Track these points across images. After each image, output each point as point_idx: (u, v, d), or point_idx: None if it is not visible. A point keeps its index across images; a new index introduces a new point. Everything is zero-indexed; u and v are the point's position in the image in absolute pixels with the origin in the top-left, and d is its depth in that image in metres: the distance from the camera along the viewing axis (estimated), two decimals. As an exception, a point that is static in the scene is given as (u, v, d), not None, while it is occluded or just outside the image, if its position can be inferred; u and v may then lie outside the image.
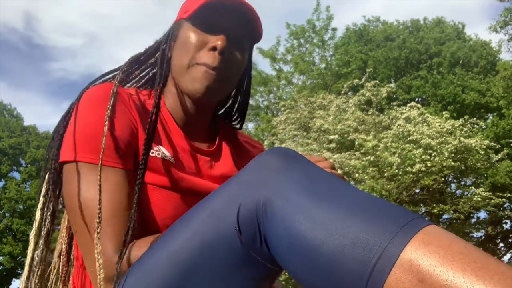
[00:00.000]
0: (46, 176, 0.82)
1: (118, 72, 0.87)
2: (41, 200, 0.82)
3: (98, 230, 0.67)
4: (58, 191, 0.82)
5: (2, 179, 18.30)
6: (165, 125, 0.87)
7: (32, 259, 0.79)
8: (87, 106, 0.78)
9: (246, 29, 0.86)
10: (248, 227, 0.57)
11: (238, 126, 1.05)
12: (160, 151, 0.81)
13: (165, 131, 0.86)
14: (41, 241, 0.80)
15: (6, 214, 17.25)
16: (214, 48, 0.82)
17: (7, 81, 34.16)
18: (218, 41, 0.81)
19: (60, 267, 0.83)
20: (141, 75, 0.94)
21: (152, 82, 0.94)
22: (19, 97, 34.53)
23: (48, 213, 0.81)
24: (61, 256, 0.84)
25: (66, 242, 0.85)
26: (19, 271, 17.84)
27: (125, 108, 0.80)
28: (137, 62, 0.93)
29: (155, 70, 0.91)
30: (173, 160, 0.83)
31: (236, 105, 1.02)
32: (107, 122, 0.74)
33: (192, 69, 0.83)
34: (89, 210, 0.70)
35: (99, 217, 0.68)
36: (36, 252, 0.79)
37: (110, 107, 0.76)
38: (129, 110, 0.81)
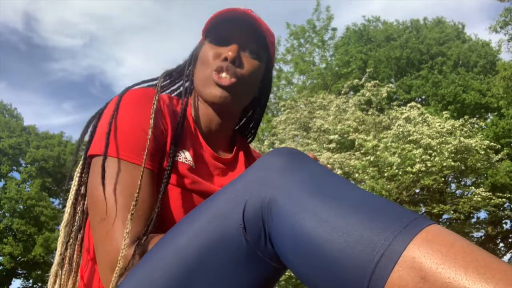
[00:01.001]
0: (78, 168, 0.85)
1: (157, 81, 0.94)
2: (73, 191, 0.85)
3: (131, 216, 0.69)
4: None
5: (2, 179, 18.29)
6: (190, 132, 0.92)
7: (65, 249, 0.82)
8: (127, 106, 0.82)
9: (256, 38, 0.91)
10: (253, 225, 0.58)
11: (250, 138, 1.11)
12: (182, 155, 0.86)
13: (190, 138, 0.91)
14: (72, 233, 0.83)
15: (6, 214, 17.23)
16: (226, 59, 0.88)
17: (7, 81, 34.17)
18: (229, 51, 0.88)
19: (73, 258, 0.84)
20: (172, 88, 1.03)
21: (180, 94, 1.02)
22: (19, 97, 34.54)
23: (79, 205, 0.84)
24: (70, 248, 0.85)
25: (77, 235, 0.86)
26: (19, 271, 17.85)
27: (158, 111, 0.85)
28: (170, 76, 1.01)
29: (184, 84, 0.99)
30: (193, 165, 0.88)
31: (254, 116, 1.08)
32: (152, 124, 0.79)
33: (208, 80, 0.90)
34: (109, 204, 0.72)
35: (132, 212, 0.70)
36: (69, 243, 0.82)
37: (153, 111, 0.81)
38: (161, 114, 0.86)
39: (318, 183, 0.58)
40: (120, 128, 0.79)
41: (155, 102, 0.82)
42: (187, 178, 0.84)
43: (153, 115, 0.80)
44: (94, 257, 0.81)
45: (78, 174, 0.84)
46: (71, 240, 0.82)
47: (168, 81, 1.01)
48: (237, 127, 1.09)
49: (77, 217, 0.84)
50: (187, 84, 0.96)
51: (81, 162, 0.84)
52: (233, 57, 0.88)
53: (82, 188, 0.84)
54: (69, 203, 0.84)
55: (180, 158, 0.85)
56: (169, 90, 1.02)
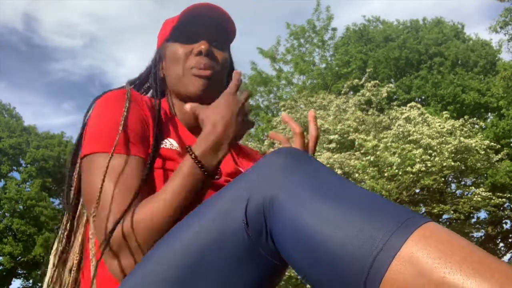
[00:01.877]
0: (68, 172, 0.90)
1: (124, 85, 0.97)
2: (65, 193, 0.89)
3: (93, 213, 0.73)
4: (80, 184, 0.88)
5: (2, 179, 18.29)
6: (173, 124, 0.96)
7: (57, 249, 0.87)
8: (102, 105, 0.87)
9: (222, 31, 0.98)
10: (255, 222, 0.60)
11: None
12: (168, 142, 0.90)
13: (174, 129, 0.95)
14: (64, 233, 0.88)
15: (6, 214, 17.23)
16: (200, 53, 0.93)
17: (7, 81, 34.19)
18: (201, 46, 0.93)
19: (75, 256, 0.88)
20: (141, 90, 1.05)
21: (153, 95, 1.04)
22: (19, 97, 34.57)
23: (72, 204, 0.88)
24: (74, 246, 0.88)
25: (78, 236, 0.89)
26: (19, 271, 17.86)
27: (137, 106, 0.89)
28: (134, 86, 1.03)
29: (151, 90, 1.03)
30: (180, 151, 0.90)
31: None
32: (124, 115, 0.82)
33: (186, 75, 0.94)
34: (104, 195, 0.75)
35: (98, 197, 0.74)
36: (62, 242, 0.87)
37: (125, 109, 0.84)
38: (140, 107, 0.90)
39: (319, 182, 0.59)
40: (100, 124, 0.83)
41: (128, 95, 0.87)
42: (174, 161, 0.86)
43: (127, 104, 0.84)
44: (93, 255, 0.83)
45: (74, 177, 0.88)
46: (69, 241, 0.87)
47: (137, 85, 1.04)
48: None
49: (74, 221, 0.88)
50: (155, 84, 0.99)
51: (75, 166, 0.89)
52: (206, 49, 0.92)
53: (75, 187, 0.88)
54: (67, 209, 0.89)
55: (166, 145, 0.89)
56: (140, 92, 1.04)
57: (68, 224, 0.88)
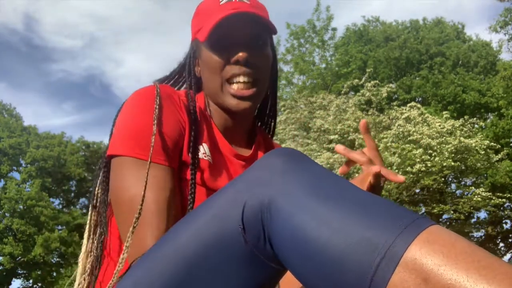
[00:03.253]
0: (99, 171, 0.88)
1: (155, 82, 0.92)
2: (95, 192, 0.87)
3: (135, 225, 0.70)
4: (107, 184, 0.86)
5: (2, 179, 18.29)
6: (207, 125, 0.91)
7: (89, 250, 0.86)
8: (135, 104, 0.83)
9: (261, 30, 0.89)
10: (252, 226, 0.58)
11: (271, 131, 1.08)
12: (202, 150, 0.86)
13: (207, 130, 0.90)
14: (92, 235, 0.86)
15: (6, 214, 17.22)
16: (237, 62, 0.86)
17: (7, 81, 34.11)
18: (239, 53, 0.85)
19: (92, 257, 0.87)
20: (177, 86, 1.00)
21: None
22: (20, 98, 34.48)
23: (101, 206, 0.87)
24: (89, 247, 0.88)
25: (95, 237, 0.89)
26: (19, 271, 17.85)
27: (175, 108, 0.85)
28: (167, 82, 0.99)
29: (187, 81, 0.96)
30: (212, 160, 0.87)
31: (268, 107, 1.06)
32: (155, 121, 0.78)
33: (226, 87, 0.88)
34: (135, 204, 0.73)
35: (139, 212, 0.71)
36: (89, 242, 0.86)
37: (157, 106, 0.80)
38: (178, 110, 0.85)
39: (318, 184, 0.57)
40: (133, 127, 0.80)
41: (157, 98, 0.82)
42: (206, 175, 0.85)
43: (156, 111, 0.80)
44: (114, 259, 0.84)
45: (100, 176, 0.87)
46: (94, 244, 0.85)
47: (172, 81, 1.00)
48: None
49: (100, 222, 0.87)
50: (192, 81, 0.93)
51: (100, 164, 0.87)
52: (245, 58, 0.84)
53: (104, 187, 0.87)
54: (91, 207, 0.88)
55: (199, 154, 0.85)
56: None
57: (96, 225, 0.88)
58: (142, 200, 0.72)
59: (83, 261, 0.86)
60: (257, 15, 0.86)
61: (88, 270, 0.86)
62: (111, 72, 39.75)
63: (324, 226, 0.52)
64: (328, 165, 9.08)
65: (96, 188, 0.88)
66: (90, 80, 37.93)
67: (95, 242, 0.87)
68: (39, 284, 18.09)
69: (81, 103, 40.76)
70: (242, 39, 0.87)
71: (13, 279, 17.97)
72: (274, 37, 0.97)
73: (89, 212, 0.89)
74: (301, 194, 0.56)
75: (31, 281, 18.12)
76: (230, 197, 0.61)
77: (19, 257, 17.10)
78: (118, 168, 0.78)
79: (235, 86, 0.87)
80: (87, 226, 0.88)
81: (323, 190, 0.56)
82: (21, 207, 17.30)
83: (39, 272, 17.54)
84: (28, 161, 18.37)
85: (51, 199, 18.92)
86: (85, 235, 0.88)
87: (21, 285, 18.47)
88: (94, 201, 0.88)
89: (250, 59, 0.86)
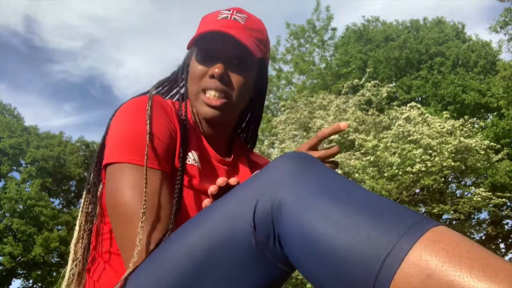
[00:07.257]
0: (90, 177, 0.91)
1: (150, 90, 0.97)
2: (83, 199, 0.91)
3: (142, 224, 0.73)
4: (97, 191, 0.90)
5: (2, 179, 18.28)
6: (194, 133, 0.95)
7: (75, 252, 0.90)
8: (129, 113, 0.85)
9: (241, 53, 0.91)
10: (263, 226, 0.60)
11: (250, 142, 1.13)
12: (191, 157, 0.90)
13: (195, 139, 0.94)
14: (82, 238, 0.90)
15: (6, 214, 17.21)
16: (212, 76, 0.90)
17: (8, 82, 34.12)
18: (215, 69, 0.89)
19: (79, 261, 0.90)
20: (171, 93, 1.05)
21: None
22: (20, 98, 34.48)
23: (90, 210, 0.90)
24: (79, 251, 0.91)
25: (85, 240, 0.92)
26: (19, 271, 17.84)
27: (167, 116, 0.89)
28: (163, 86, 1.04)
29: (179, 90, 1.02)
30: (200, 166, 0.91)
31: (248, 126, 1.11)
32: (149, 128, 0.81)
33: (198, 99, 0.93)
34: (131, 208, 0.75)
35: (142, 214, 0.73)
36: (78, 245, 0.90)
37: (150, 114, 0.84)
38: (170, 118, 0.89)
39: (327, 186, 0.59)
40: (124, 133, 0.82)
41: (149, 108, 0.85)
42: (196, 179, 0.88)
43: (148, 120, 0.83)
44: (103, 254, 0.86)
45: (91, 182, 0.90)
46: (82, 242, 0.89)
47: (166, 88, 1.04)
48: (239, 128, 1.12)
49: (88, 223, 0.91)
50: (182, 90, 0.99)
51: (92, 172, 0.90)
52: (219, 74, 0.89)
53: (92, 194, 0.90)
54: (81, 211, 0.91)
55: (189, 160, 0.89)
56: (168, 96, 1.04)
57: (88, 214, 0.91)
58: (144, 206, 0.74)
59: (75, 247, 0.90)
60: (237, 40, 0.87)
61: (80, 257, 0.89)
62: (111, 73, 39.80)
63: (332, 224, 0.54)
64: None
65: (91, 175, 0.91)
66: (90, 81, 37.98)
67: (87, 231, 0.90)
68: (39, 284, 18.08)
69: (81, 104, 40.81)
70: (223, 56, 0.91)
71: (13, 279, 17.98)
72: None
73: (83, 199, 0.92)
74: (310, 195, 0.58)
75: (31, 281, 18.13)
76: (242, 198, 0.63)
77: (19, 257, 17.10)
78: (114, 174, 0.80)
79: (207, 94, 0.91)
80: (80, 214, 0.91)
81: (331, 191, 0.59)
82: (21, 207, 17.30)
83: (39, 272, 17.55)
84: (28, 161, 18.36)
85: (51, 199, 18.94)
86: (78, 222, 0.91)
87: (21, 285, 18.48)
88: (89, 185, 0.91)
89: (225, 76, 0.90)
